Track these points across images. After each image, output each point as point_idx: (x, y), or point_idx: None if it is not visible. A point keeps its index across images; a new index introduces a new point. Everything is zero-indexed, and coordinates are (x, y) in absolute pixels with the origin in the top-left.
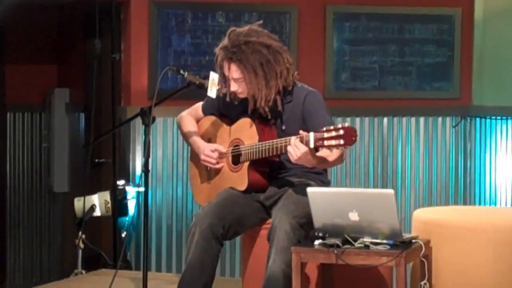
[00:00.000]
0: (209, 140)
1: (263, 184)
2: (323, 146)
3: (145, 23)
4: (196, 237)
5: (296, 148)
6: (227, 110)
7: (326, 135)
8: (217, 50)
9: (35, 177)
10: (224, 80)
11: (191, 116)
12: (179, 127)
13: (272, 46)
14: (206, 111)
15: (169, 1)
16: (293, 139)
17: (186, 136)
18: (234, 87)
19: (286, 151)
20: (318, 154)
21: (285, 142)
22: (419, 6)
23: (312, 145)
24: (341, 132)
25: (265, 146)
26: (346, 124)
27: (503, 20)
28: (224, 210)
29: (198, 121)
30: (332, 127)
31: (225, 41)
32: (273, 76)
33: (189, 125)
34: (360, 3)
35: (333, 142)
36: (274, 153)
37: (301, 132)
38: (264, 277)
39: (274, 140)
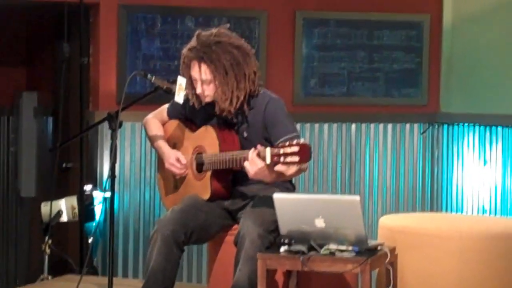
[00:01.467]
0: (174, 145)
1: (226, 193)
2: (279, 162)
3: (114, 27)
4: (158, 243)
5: (253, 164)
6: (192, 114)
7: (282, 151)
8: (184, 51)
9: (2, 181)
10: (190, 83)
11: (156, 119)
12: (145, 130)
13: (242, 48)
14: (171, 115)
15: (138, 5)
16: (251, 153)
17: (152, 140)
18: (201, 89)
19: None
20: (275, 168)
21: (244, 156)
22: (388, 12)
23: (268, 161)
24: (296, 149)
25: (225, 157)
26: (302, 141)
27: (471, 27)
28: (186, 216)
29: (163, 124)
30: (287, 143)
31: (193, 42)
32: (243, 78)
33: (155, 128)
34: (329, 9)
35: (288, 158)
36: (233, 166)
37: (258, 146)
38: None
39: (234, 152)
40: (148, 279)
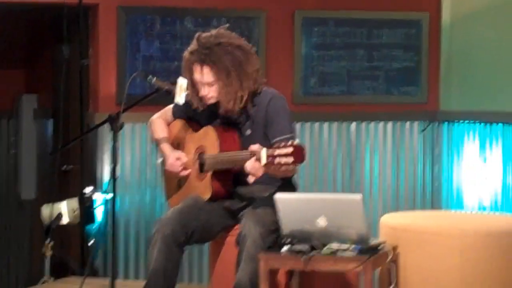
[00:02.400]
0: (178, 145)
1: (226, 193)
2: (274, 163)
3: (114, 28)
4: (158, 243)
5: (254, 170)
6: (196, 114)
7: (277, 152)
8: (186, 54)
9: (3, 184)
10: (192, 85)
11: (161, 120)
12: (150, 131)
13: (243, 47)
14: (175, 114)
15: (137, 7)
16: (249, 163)
17: (156, 141)
18: (205, 91)
19: (243, 166)
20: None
21: (241, 156)
22: (386, 11)
23: (264, 162)
24: (290, 150)
25: (224, 158)
26: (296, 142)
27: (470, 25)
28: (187, 217)
29: (168, 124)
30: (282, 144)
31: (194, 45)
32: (246, 77)
33: (160, 129)
34: (328, 9)
35: (283, 159)
36: (232, 166)
37: (251, 147)
38: (233, 285)
39: (233, 153)
40: (149, 279)
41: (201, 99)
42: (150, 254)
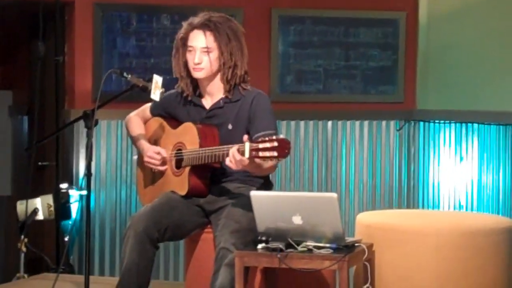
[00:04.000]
0: (155, 142)
1: (204, 190)
2: (257, 157)
3: (90, 25)
4: (130, 240)
5: (233, 161)
6: (174, 111)
7: (261, 145)
8: (184, 28)
9: None
10: (184, 64)
11: (138, 117)
12: (127, 128)
13: (236, 24)
14: (153, 112)
15: (113, 4)
16: (231, 151)
17: (132, 138)
18: (197, 58)
19: (224, 160)
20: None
21: (223, 151)
22: (364, 10)
23: (247, 155)
24: (275, 144)
25: (205, 153)
26: (281, 136)
27: (447, 24)
28: (160, 214)
29: (145, 122)
30: (267, 138)
31: (189, 23)
32: (243, 53)
33: (136, 126)
34: (305, 7)
35: (267, 153)
36: (213, 161)
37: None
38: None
39: (214, 148)
40: (123, 276)
41: (186, 86)
42: (123, 251)
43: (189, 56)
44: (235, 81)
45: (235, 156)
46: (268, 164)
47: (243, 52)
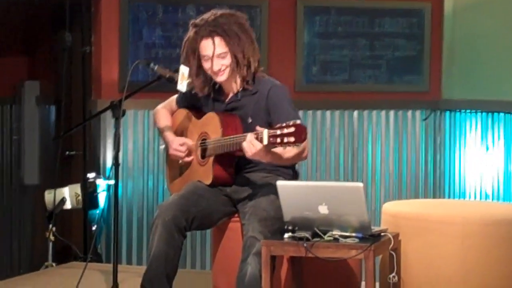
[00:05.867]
0: (181, 133)
1: (228, 178)
2: (276, 143)
3: (116, 16)
4: (159, 229)
5: (250, 145)
6: (198, 103)
7: (278, 132)
8: (189, 36)
9: (6, 170)
10: (196, 70)
11: (165, 110)
12: (154, 120)
13: (239, 15)
14: (179, 104)
15: None
16: (249, 136)
17: (159, 130)
18: (217, 65)
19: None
20: (273, 150)
21: (243, 138)
22: (389, 0)
23: (265, 142)
24: (292, 129)
25: (226, 141)
26: (298, 122)
27: (472, 14)
28: (187, 202)
29: (172, 114)
30: (284, 124)
31: (194, 29)
32: (253, 42)
33: (163, 118)
34: None
35: (285, 139)
36: (234, 149)
37: (257, 128)
38: (240, 277)
39: (234, 136)
40: (151, 265)
41: (203, 87)
42: (151, 239)
43: (206, 65)
44: (254, 66)
45: (253, 143)
46: (290, 153)
47: (254, 44)
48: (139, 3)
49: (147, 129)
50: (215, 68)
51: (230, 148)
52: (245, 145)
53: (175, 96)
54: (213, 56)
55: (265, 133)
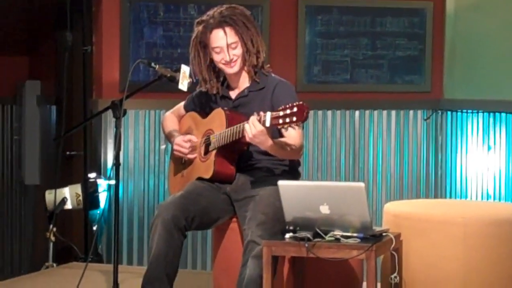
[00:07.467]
0: (187, 134)
1: (230, 172)
2: (278, 124)
3: (117, 15)
4: (158, 229)
5: (252, 126)
6: (206, 105)
7: (281, 113)
8: (198, 30)
9: (6, 170)
10: (207, 64)
11: (173, 115)
12: (162, 126)
13: (242, 8)
14: (187, 108)
15: None
16: (252, 118)
17: (167, 134)
18: (230, 55)
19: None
20: (275, 140)
21: (245, 123)
22: (391, 0)
23: (268, 124)
24: (295, 109)
25: (229, 131)
26: (300, 102)
27: (474, 14)
28: (187, 201)
29: (180, 119)
30: (288, 105)
31: (204, 18)
32: (260, 31)
33: (170, 122)
34: None
35: (287, 119)
36: (237, 137)
37: (261, 113)
38: (240, 281)
39: (237, 125)
40: (151, 265)
41: (212, 85)
42: (151, 240)
43: (217, 57)
44: (263, 55)
45: (255, 125)
46: (291, 141)
47: (260, 35)
48: (140, 2)
49: (148, 129)
50: (227, 57)
51: (232, 136)
52: (246, 126)
53: (183, 102)
54: (226, 46)
55: (268, 115)
